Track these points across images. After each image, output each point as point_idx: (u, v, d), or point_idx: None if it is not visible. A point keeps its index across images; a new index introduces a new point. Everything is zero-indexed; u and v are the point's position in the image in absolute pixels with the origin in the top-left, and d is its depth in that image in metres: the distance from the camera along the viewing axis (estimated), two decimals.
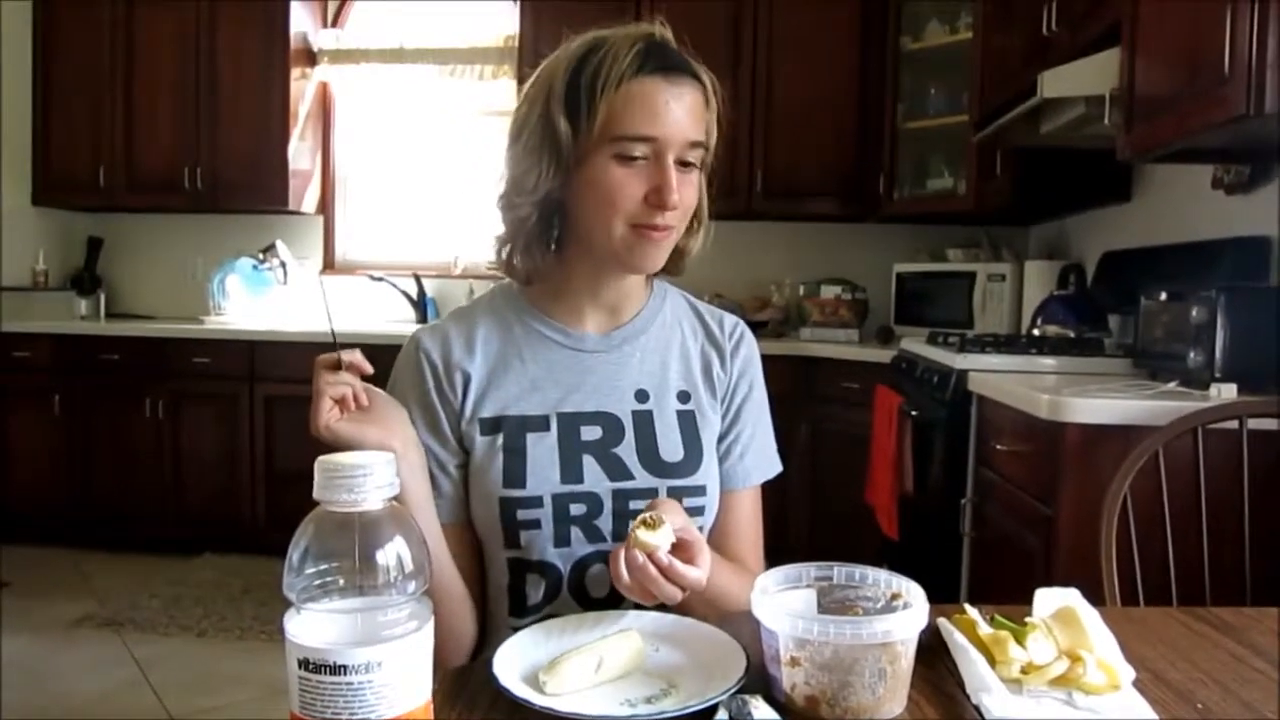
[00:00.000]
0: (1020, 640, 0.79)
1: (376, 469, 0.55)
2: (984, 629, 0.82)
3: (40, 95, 4.23)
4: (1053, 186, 3.06)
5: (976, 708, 0.74)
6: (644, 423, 1.08)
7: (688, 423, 1.10)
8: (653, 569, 0.84)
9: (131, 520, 3.92)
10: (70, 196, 4.31)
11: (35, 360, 3.95)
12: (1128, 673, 0.77)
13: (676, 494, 1.04)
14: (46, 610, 3.27)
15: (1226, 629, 0.96)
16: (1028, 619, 0.82)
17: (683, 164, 1.02)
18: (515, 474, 1.04)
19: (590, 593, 1.05)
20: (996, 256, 3.61)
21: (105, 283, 4.49)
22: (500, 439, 1.05)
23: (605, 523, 1.05)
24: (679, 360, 1.14)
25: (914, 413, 2.56)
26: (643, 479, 1.06)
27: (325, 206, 4.45)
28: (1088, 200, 3.09)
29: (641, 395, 1.10)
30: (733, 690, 0.73)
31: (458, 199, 4.35)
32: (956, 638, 0.82)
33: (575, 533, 1.04)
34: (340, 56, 4.30)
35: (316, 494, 0.55)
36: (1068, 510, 1.76)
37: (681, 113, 1.00)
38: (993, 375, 2.24)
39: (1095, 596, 1.34)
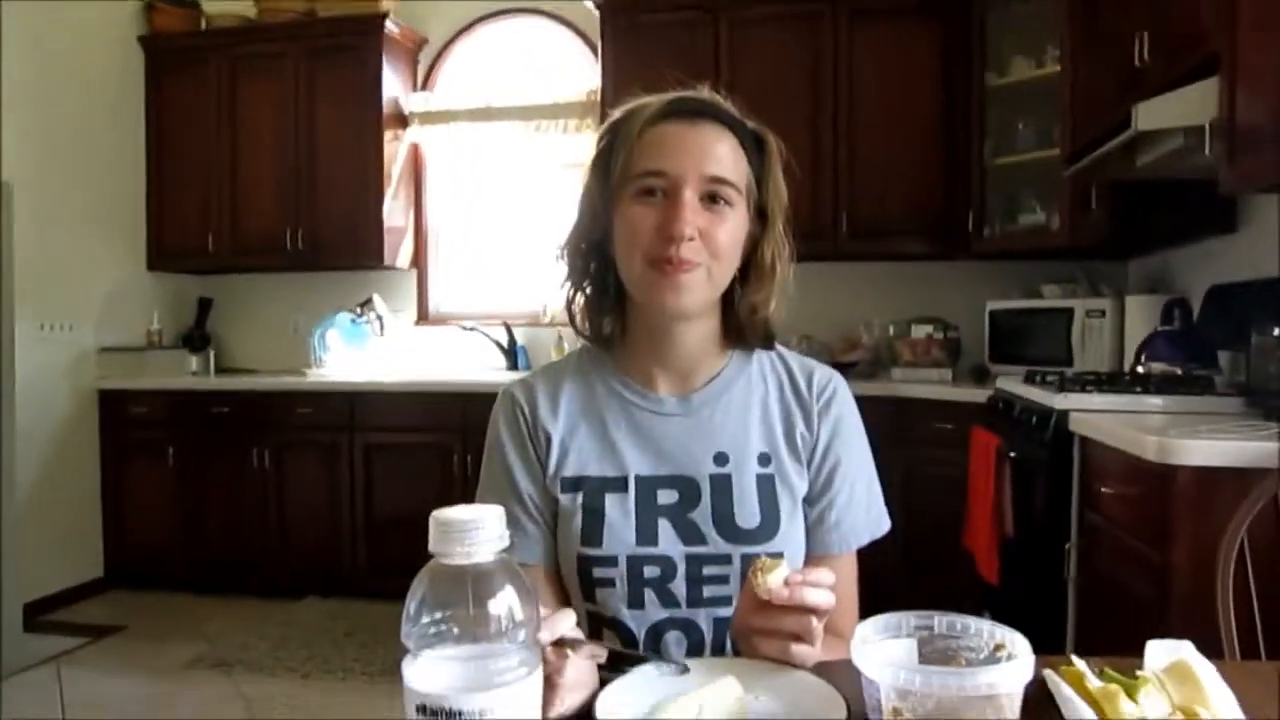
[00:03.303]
0: (1132, 695, 0.77)
1: (488, 523, 0.58)
2: (1093, 682, 0.80)
3: (153, 167, 4.51)
4: (1152, 219, 2.97)
5: None
6: (722, 487, 1.08)
7: (766, 487, 1.09)
8: (780, 600, 0.84)
9: (241, 565, 4.08)
10: (181, 261, 4.56)
11: (151, 415, 4.16)
12: None
13: (751, 561, 0.98)
14: (161, 652, 3.41)
15: None
16: (1139, 673, 0.80)
17: (711, 200, 1.03)
18: (592, 533, 1.06)
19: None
20: (1094, 292, 3.51)
21: (214, 340, 4.72)
22: (580, 497, 1.08)
23: (679, 587, 1.05)
24: (761, 421, 1.12)
25: (1013, 454, 2.50)
26: (716, 545, 1.06)
27: (419, 261, 4.61)
28: (1191, 232, 2.98)
29: (721, 459, 1.09)
30: None
31: (544, 249, 4.43)
32: (1064, 690, 0.80)
33: (649, 595, 1.05)
34: (430, 118, 4.47)
35: (432, 548, 0.58)
36: (1181, 557, 1.69)
37: (700, 149, 1.03)
38: (1095, 415, 2.18)
39: (1213, 648, 1.28)
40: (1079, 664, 0.83)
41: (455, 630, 0.57)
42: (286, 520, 4.04)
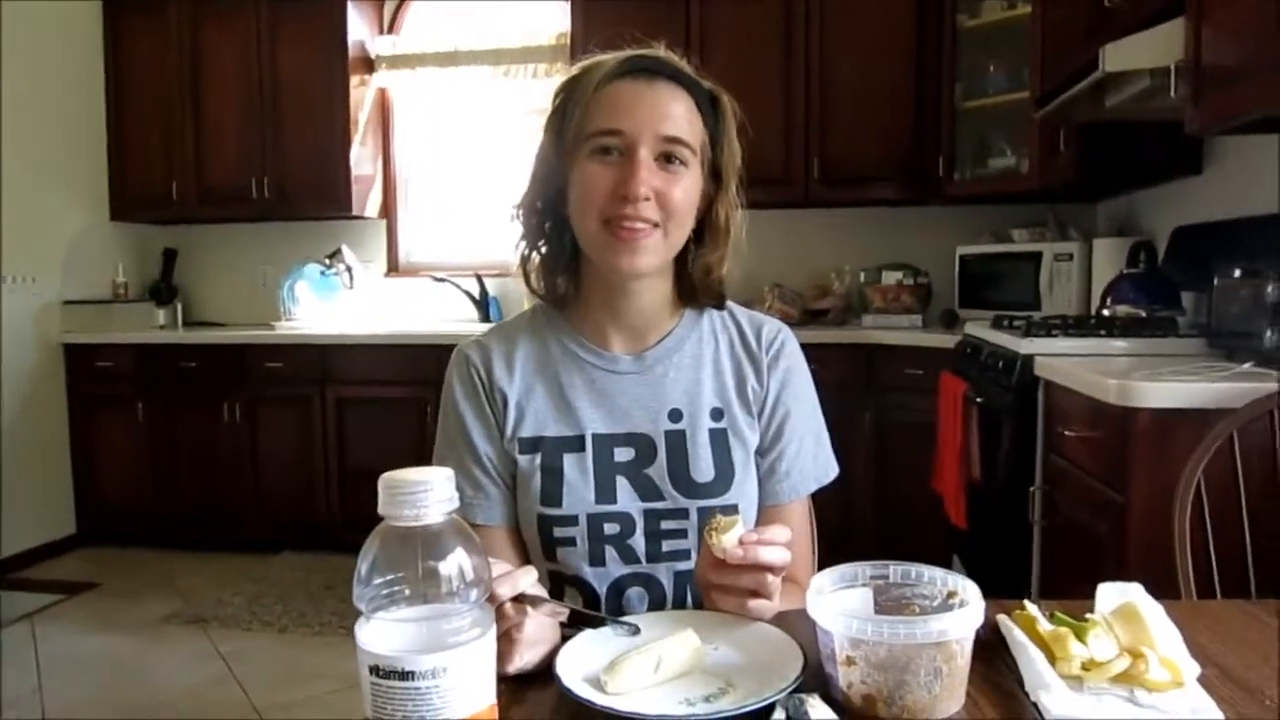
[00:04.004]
0: (1081, 637, 0.79)
1: (437, 485, 0.58)
2: (1044, 626, 0.82)
3: (113, 116, 4.41)
4: (1120, 161, 2.97)
5: (1035, 706, 0.74)
6: (677, 443, 1.09)
7: (719, 441, 1.10)
8: (735, 559, 0.86)
9: (214, 521, 4.07)
10: (145, 211, 4.47)
11: (118, 370, 4.12)
12: (1192, 669, 0.76)
13: (708, 514, 1.03)
14: (136, 609, 3.42)
15: None
16: (1088, 615, 0.82)
17: (666, 160, 1.03)
18: (552, 493, 1.07)
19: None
20: (1063, 235, 3.52)
21: (181, 292, 4.65)
22: (539, 458, 1.08)
23: (638, 543, 1.07)
24: (713, 377, 1.13)
25: (979, 399, 2.53)
26: (673, 500, 1.07)
27: (388, 210, 4.54)
28: (1157, 174, 2.99)
29: (675, 415, 1.10)
30: (789, 689, 0.74)
31: (514, 197, 4.39)
32: (1016, 635, 0.82)
33: (610, 552, 1.07)
34: (397, 62, 4.37)
35: (381, 510, 0.58)
36: (1140, 498, 1.72)
37: (656, 108, 1.02)
38: (1059, 359, 2.20)
39: (1169, 588, 1.32)
40: (1031, 608, 0.85)
41: (407, 592, 0.57)
42: (260, 475, 4.03)
